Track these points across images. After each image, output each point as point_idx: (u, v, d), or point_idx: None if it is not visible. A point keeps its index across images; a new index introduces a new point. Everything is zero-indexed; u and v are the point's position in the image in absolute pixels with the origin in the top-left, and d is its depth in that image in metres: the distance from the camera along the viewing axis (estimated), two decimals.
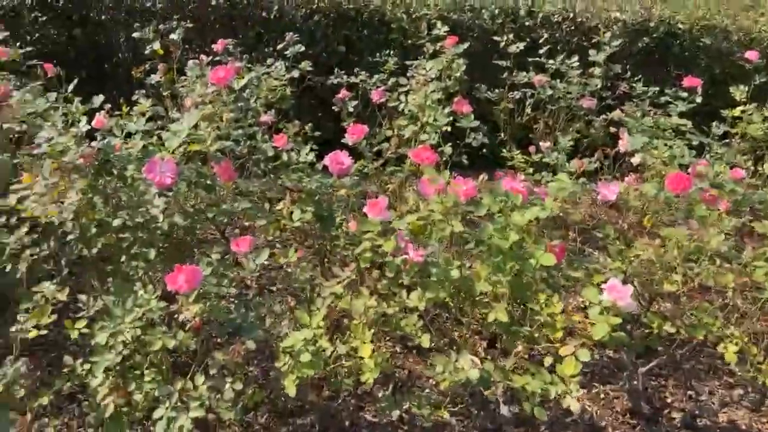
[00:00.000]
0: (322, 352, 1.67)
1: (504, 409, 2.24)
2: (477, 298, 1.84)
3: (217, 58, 3.08)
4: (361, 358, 1.70)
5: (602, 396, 2.56)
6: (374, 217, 1.80)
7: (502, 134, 3.69)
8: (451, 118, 2.68)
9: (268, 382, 2.25)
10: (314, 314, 1.70)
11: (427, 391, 2.35)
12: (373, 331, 1.72)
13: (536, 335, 1.78)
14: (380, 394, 2.28)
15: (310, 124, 2.97)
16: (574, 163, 2.78)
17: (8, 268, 2.05)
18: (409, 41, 4.47)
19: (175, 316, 1.69)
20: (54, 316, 1.77)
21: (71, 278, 2.05)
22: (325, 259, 2.48)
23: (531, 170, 3.08)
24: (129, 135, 2.24)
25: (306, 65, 3.25)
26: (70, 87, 2.41)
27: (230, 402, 1.68)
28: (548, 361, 1.75)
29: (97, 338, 1.62)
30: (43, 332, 1.74)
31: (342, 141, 2.45)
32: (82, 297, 1.74)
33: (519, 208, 1.89)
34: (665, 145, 2.64)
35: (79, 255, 1.98)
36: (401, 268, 1.80)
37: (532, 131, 3.68)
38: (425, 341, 1.77)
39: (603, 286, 1.73)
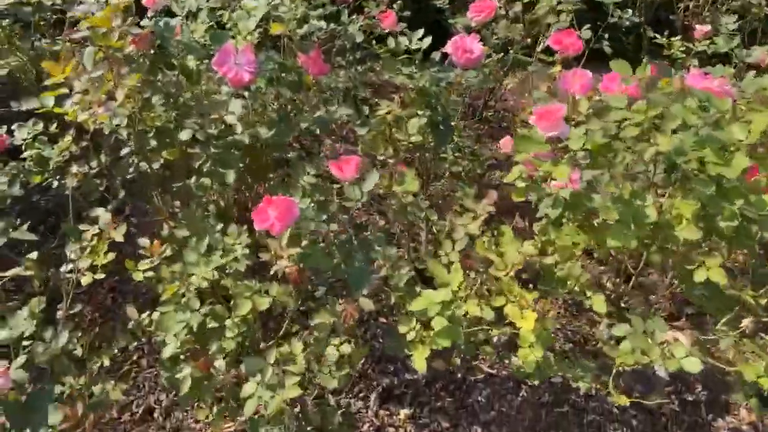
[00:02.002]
0: (463, 316, 1.23)
1: None
2: (676, 249, 1.33)
3: None
4: (513, 327, 1.26)
5: None
6: (544, 131, 1.28)
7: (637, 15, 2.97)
8: None
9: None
10: (454, 270, 1.24)
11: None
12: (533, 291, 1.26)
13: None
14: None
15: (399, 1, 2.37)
16: (756, 54, 2.13)
17: (55, 184, 1.66)
18: None
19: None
20: (112, 255, 1.38)
21: (130, 202, 1.64)
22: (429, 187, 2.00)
23: (696, 62, 2.42)
24: (191, 15, 1.74)
25: None
26: None
27: (334, 367, 1.29)
28: None
29: (163, 296, 1.22)
30: (100, 276, 1.36)
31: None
32: (144, 241, 1.33)
33: (733, 118, 1.32)
34: None
35: (138, 171, 1.56)
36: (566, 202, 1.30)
37: (673, 11, 2.95)
38: (599, 304, 1.30)
39: None
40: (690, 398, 1.91)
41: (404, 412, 1.83)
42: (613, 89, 1.75)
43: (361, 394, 1.86)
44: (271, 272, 1.18)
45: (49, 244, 2.29)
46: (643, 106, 1.32)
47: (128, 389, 1.85)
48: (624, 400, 1.29)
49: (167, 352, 1.20)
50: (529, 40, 2.72)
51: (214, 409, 1.42)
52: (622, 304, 1.66)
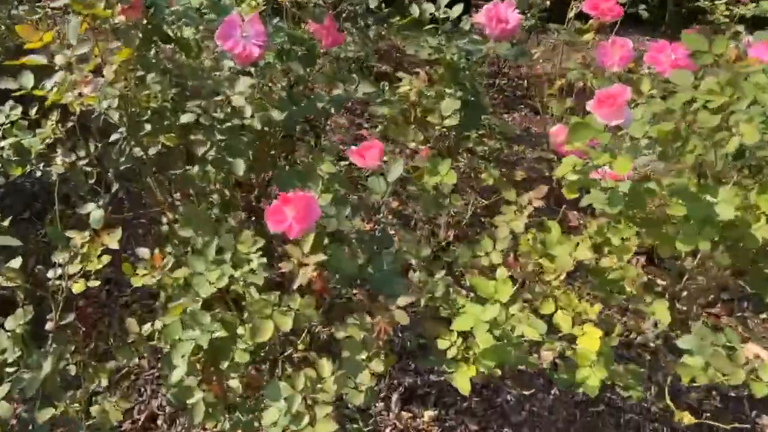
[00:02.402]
0: (510, 331, 1.08)
1: None
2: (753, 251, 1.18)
3: None
4: (570, 340, 1.11)
5: None
6: (605, 120, 1.10)
7: None
8: None
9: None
10: (501, 282, 1.08)
11: None
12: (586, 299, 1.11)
13: None
14: None
15: None
16: None
17: (38, 174, 1.48)
18: None
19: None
20: (107, 258, 1.21)
21: (124, 193, 1.46)
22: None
23: (741, 27, 2.23)
24: None
25: None
26: None
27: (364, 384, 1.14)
28: None
29: (167, 316, 1.06)
30: (94, 283, 1.19)
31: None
32: (142, 251, 1.15)
33: None
34: None
35: (132, 160, 1.37)
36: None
37: None
38: (662, 313, 1.15)
39: None
40: (732, 393, 1.79)
41: (428, 414, 1.70)
42: (660, 61, 1.58)
43: (381, 395, 1.73)
44: (295, 286, 1.02)
45: (36, 230, 2.12)
46: (715, 85, 1.14)
47: (129, 393, 1.71)
48: (689, 419, 1.15)
49: (176, 376, 1.04)
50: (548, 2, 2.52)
51: (226, 424, 1.28)
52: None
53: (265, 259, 1.04)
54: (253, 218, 1.68)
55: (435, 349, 1.15)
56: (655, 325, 1.33)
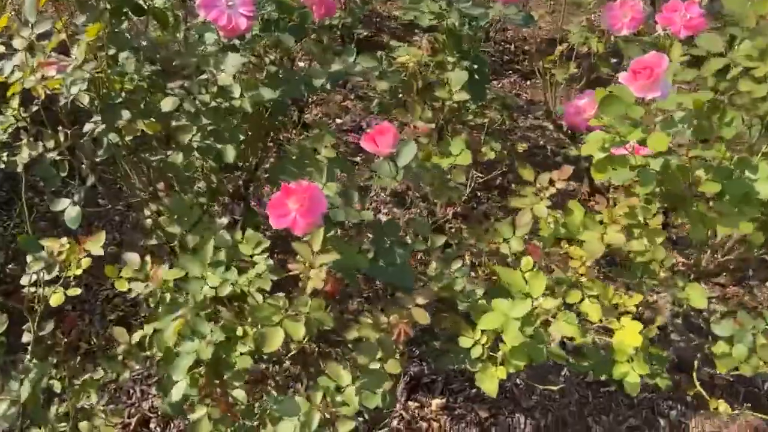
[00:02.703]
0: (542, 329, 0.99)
1: None
2: None
3: None
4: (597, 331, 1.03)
5: None
6: (641, 93, 0.99)
7: None
8: None
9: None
10: (533, 275, 0.98)
11: None
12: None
13: None
14: None
15: None
16: None
17: (1, 165, 1.33)
18: None
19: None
20: (87, 261, 1.08)
21: (101, 188, 1.33)
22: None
23: None
24: None
25: None
26: None
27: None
28: None
29: (159, 321, 0.94)
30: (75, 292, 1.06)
31: None
32: (131, 257, 1.02)
33: None
34: None
35: (108, 150, 1.23)
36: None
37: None
38: (698, 298, 1.08)
39: None
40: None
41: (436, 402, 1.62)
42: (674, 21, 1.48)
43: None
44: (308, 291, 0.91)
45: (3, 223, 1.97)
46: (752, 50, 1.05)
47: (118, 395, 1.60)
48: (725, 407, 1.09)
49: (177, 394, 0.94)
50: None
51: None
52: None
53: (271, 261, 0.93)
54: (242, 204, 1.57)
55: (449, 343, 1.07)
56: (674, 303, 1.26)
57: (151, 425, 1.55)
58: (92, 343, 1.66)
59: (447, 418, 1.60)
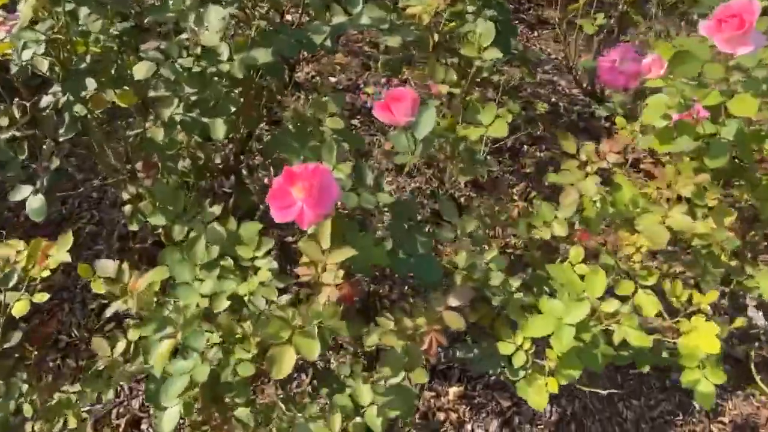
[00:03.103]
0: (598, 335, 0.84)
1: None
2: None
3: None
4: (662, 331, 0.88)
5: None
6: (727, 48, 0.80)
7: None
8: None
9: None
10: (594, 275, 0.83)
11: None
12: None
13: None
14: None
15: None
16: None
17: None
18: None
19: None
20: (55, 261, 0.91)
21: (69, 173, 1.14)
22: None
23: None
24: None
25: None
26: None
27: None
28: None
29: (144, 332, 0.78)
30: (42, 298, 0.90)
31: None
32: (104, 265, 0.85)
33: None
34: None
35: (74, 124, 1.04)
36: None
37: None
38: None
39: None
40: None
41: (453, 391, 1.50)
42: None
43: None
44: (322, 300, 0.75)
45: None
46: None
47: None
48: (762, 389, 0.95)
49: (167, 425, 0.78)
50: None
51: None
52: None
53: (276, 265, 0.76)
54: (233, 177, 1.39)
55: (481, 335, 0.92)
56: (722, 283, 1.12)
57: (143, 426, 1.41)
58: (73, 335, 1.51)
59: (466, 407, 1.48)
